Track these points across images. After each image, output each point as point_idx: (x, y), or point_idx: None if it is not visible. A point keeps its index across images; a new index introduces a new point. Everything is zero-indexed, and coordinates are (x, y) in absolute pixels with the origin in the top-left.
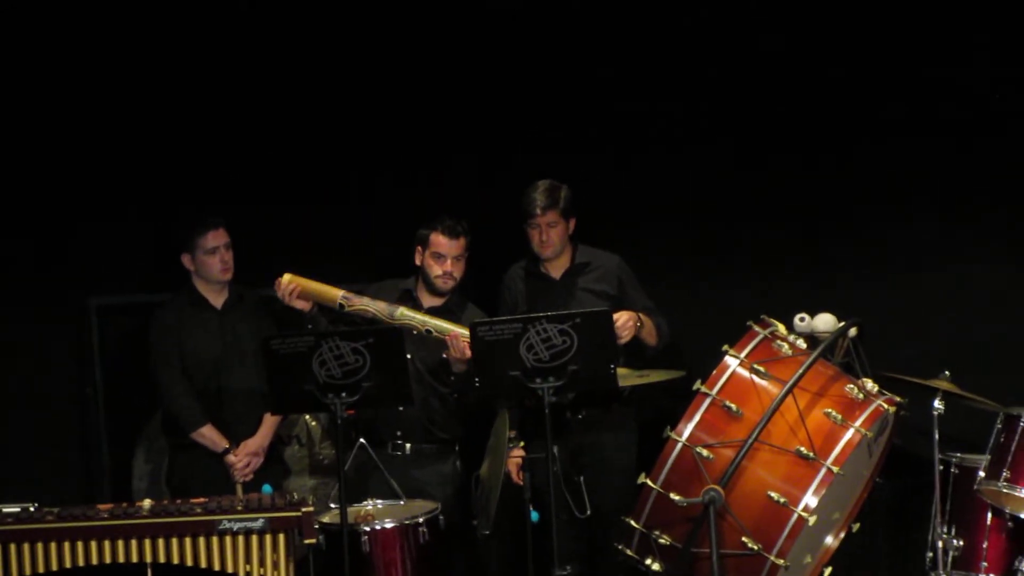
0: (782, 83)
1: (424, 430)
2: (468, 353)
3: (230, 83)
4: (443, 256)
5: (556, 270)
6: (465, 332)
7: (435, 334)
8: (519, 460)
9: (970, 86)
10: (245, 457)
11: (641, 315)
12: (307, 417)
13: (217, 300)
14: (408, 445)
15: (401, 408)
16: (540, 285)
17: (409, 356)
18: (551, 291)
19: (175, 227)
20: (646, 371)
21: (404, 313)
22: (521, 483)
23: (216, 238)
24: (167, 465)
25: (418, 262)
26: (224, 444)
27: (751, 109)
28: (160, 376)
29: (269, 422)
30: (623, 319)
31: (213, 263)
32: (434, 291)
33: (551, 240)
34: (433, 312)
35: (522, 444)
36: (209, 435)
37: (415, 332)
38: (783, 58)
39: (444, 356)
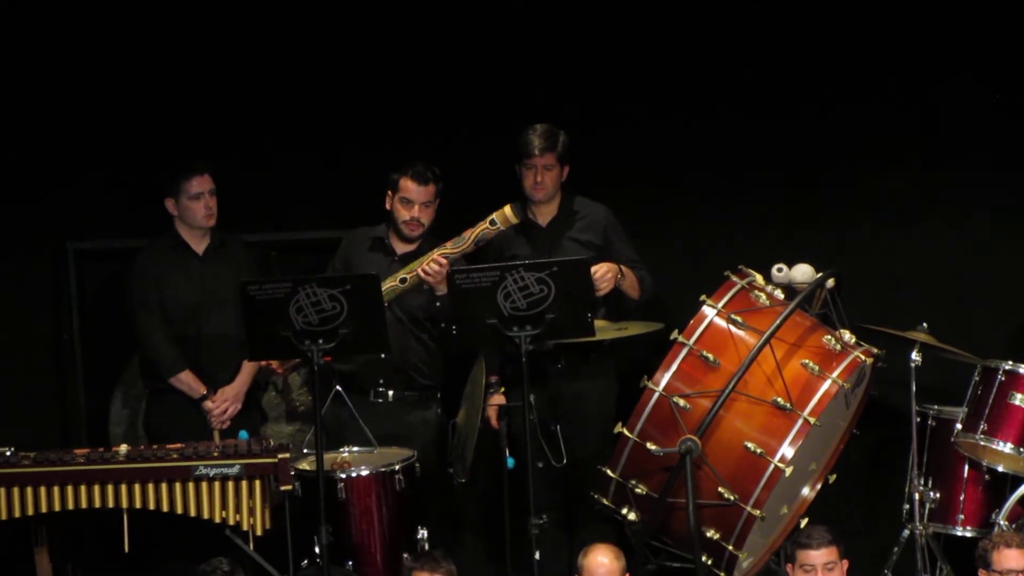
0: (763, 36)
1: (406, 377)
2: (443, 272)
3: (212, 28)
4: (411, 202)
5: (543, 217)
6: (429, 256)
7: (409, 279)
8: (497, 407)
9: (950, 45)
10: (223, 403)
11: (623, 267)
12: None
13: (199, 246)
14: (390, 392)
15: (384, 356)
16: (527, 231)
17: (387, 303)
18: (536, 238)
19: (160, 171)
20: (624, 323)
21: None
22: (499, 429)
23: (201, 184)
24: (144, 410)
25: (388, 206)
26: (202, 390)
27: (731, 62)
28: (138, 320)
29: (247, 369)
30: (602, 271)
31: (197, 209)
32: (404, 237)
33: (545, 183)
34: (404, 259)
35: (502, 390)
36: (187, 380)
37: (398, 292)
38: (761, 11)
39: (425, 288)
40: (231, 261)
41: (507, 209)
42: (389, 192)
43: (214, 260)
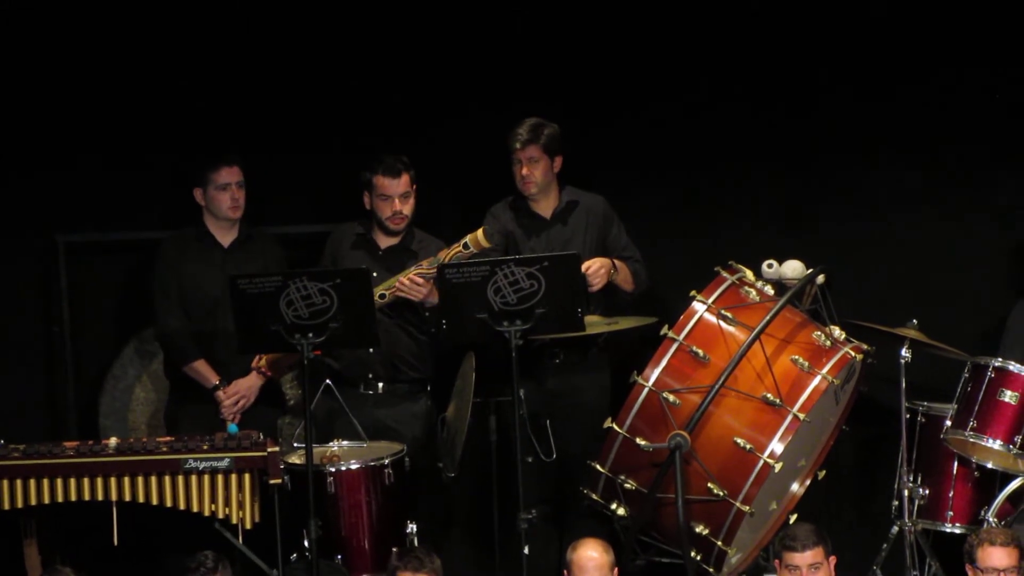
0: (752, 30)
1: (396, 370)
2: (419, 291)
3: (204, 22)
4: (389, 196)
5: (545, 210)
6: (405, 273)
7: (388, 295)
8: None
9: (939, 38)
10: (234, 395)
11: (616, 261)
12: None
13: (225, 238)
14: (380, 385)
15: (372, 350)
16: (534, 224)
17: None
18: (542, 230)
19: (190, 161)
20: (616, 318)
21: None
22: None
23: (230, 175)
24: (167, 399)
25: (367, 206)
26: (214, 380)
27: (721, 57)
28: (157, 307)
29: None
30: (595, 266)
31: (223, 199)
32: (388, 232)
33: (532, 176)
34: (390, 251)
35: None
36: (200, 370)
37: (377, 307)
38: (756, 7)
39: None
40: (257, 255)
41: (479, 233)
42: (365, 193)
43: (239, 253)
